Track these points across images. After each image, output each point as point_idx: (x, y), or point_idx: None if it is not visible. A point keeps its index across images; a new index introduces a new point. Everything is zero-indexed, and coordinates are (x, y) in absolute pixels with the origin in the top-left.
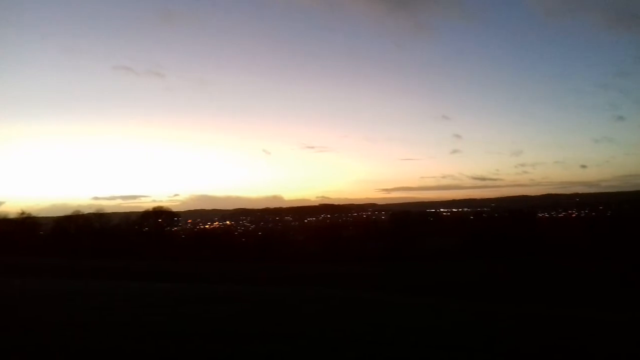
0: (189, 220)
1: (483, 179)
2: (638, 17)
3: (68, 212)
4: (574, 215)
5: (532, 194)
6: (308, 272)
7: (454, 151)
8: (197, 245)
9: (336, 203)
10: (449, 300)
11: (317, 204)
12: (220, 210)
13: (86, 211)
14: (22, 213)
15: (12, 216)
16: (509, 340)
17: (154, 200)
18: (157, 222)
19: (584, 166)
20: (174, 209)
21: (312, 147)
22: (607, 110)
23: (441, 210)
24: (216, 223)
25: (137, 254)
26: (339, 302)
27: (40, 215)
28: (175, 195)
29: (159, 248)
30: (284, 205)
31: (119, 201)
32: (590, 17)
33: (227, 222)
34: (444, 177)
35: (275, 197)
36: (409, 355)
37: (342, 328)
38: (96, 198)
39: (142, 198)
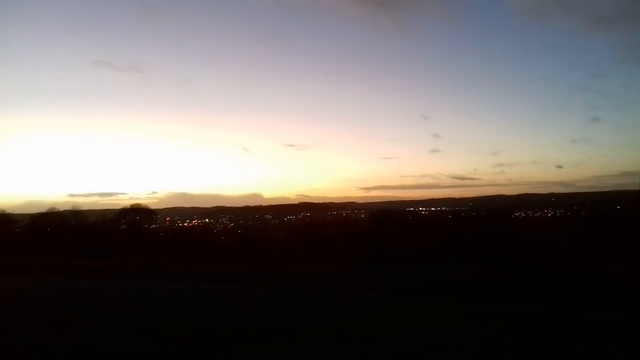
0: (167, 218)
1: (462, 178)
2: (615, 20)
3: (43, 209)
4: (549, 215)
5: (509, 194)
6: (302, 272)
7: (434, 150)
8: (178, 244)
9: (316, 201)
10: (447, 301)
11: (297, 202)
12: (199, 208)
13: (62, 208)
14: None
15: None
16: (511, 339)
17: (132, 198)
18: (134, 220)
19: (560, 166)
20: (152, 207)
21: (293, 145)
22: (584, 111)
23: (420, 209)
24: (195, 221)
25: (116, 251)
26: (338, 302)
27: (15, 212)
28: (153, 192)
29: (139, 246)
30: (264, 204)
31: (95, 198)
32: (568, 19)
33: (207, 220)
34: (423, 176)
35: (255, 195)
36: (414, 356)
37: (343, 328)
38: (72, 195)
39: (120, 195)
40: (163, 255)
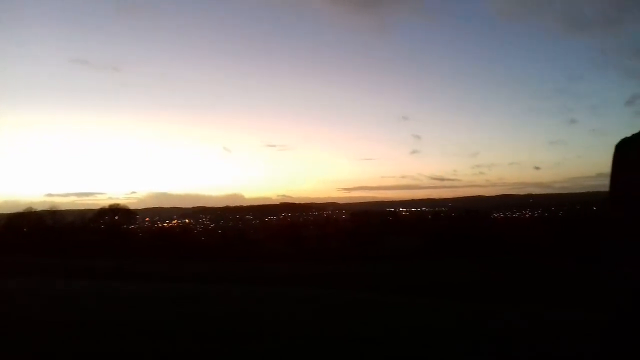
0: (147, 219)
1: (441, 179)
2: (592, 24)
3: (20, 209)
4: (527, 215)
5: (488, 195)
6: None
7: (414, 151)
8: (168, 244)
9: (297, 202)
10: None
11: (277, 202)
12: (180, 208)
13: (39, 208)
14: None
15: None
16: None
17: (110, 198)
18: (113, 220)
19: (537, 168)
20: (131, 207)
21: (274, 146)
22: (561, 113)
23: (400, 209)
24: (175, 221)
25: (96, 252)
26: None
27: None
28: (133, 192)
29: (120, 246)
30: (245, 204)
31: (73, 198)
32: (546, 22)
33: (187, 221)
34: (403, 177)
35: (235, 196)
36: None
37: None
38: (50, 195)
39: (98, 195)
40: (144, 256)
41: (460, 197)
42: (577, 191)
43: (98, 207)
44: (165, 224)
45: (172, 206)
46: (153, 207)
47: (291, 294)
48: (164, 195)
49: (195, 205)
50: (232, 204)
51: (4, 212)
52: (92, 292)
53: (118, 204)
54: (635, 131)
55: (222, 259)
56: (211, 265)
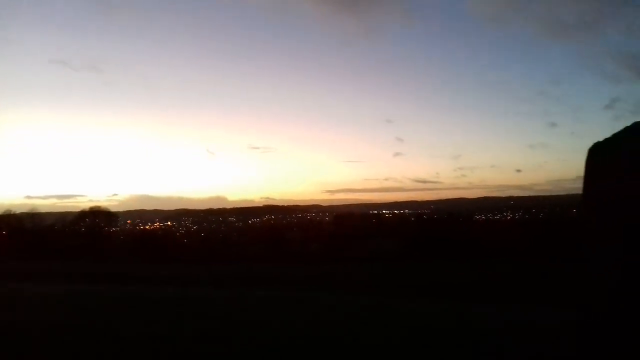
0: (129, 221)
1: (424, 181)
2: (572, 28)
3: None
4: (509, 218)
5: (470, 197)
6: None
7: (397, 154)
8: (146, 247)
9: (280, 204)
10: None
11: (261, 204)
12: (162, 210)
13: (18, 210)
14: None
15: None
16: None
17: (91, 200)
18: (94, 223)
19: (518, 170)
20: (113, 210)
21: (257, 148)
22: (542, 116)
23: (384, 212)
24: (157, 224)
25: (85, 254)
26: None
27: None
28: (114, 195)
29: (109, 249)
30: (228, 206)
31: (53, 200)
32: (528, 26)
33: (169, 223)
34: (386, 179)
35: (218, 198)
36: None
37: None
38: (29, 197)
39: (79, 197)
40: (150, 258)
41: (443, 200)
42: (558, 193)
43: (79, 210)
44: (147, 227)
45: (153, 208)
46: (134, 210)
47: (290, 294)
48: (146, 198)
49: (178, 208)
50: (215, 206)
51: None
52: (89, 294)
53: (99, 206)
54: None
55: (214, 261)
56: (204, 268)
